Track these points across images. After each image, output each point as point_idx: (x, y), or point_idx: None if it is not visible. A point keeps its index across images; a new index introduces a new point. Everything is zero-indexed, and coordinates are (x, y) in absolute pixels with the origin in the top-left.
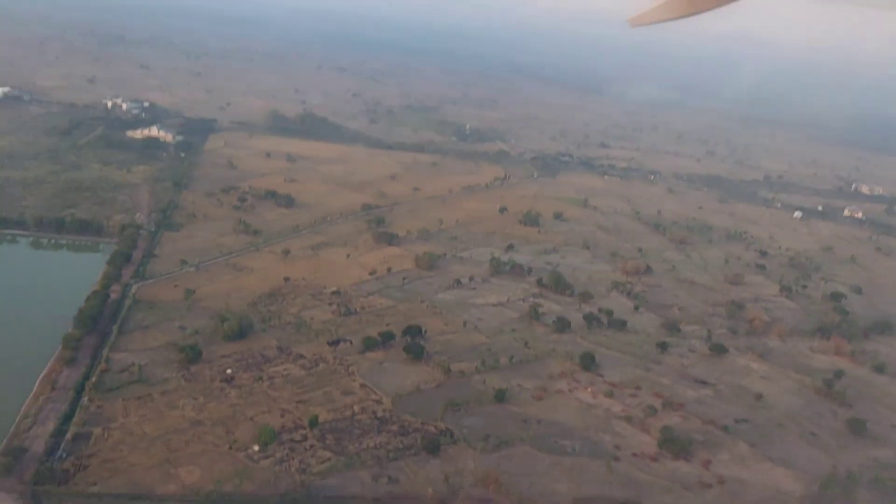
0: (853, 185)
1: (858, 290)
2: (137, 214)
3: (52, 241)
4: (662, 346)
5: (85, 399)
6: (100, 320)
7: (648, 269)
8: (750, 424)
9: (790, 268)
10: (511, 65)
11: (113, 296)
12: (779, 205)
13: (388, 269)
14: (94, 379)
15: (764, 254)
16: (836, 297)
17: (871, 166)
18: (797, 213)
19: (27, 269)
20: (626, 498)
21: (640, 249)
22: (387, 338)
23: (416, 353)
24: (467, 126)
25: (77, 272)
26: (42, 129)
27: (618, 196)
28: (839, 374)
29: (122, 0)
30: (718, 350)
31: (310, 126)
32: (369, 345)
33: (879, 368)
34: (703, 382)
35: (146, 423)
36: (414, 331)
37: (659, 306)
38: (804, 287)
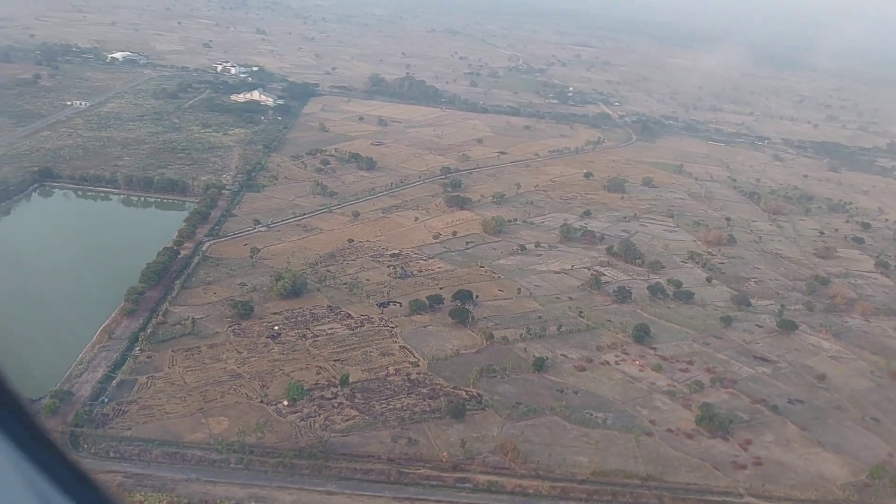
0: None
1: None
2: (224, 175)
3: (142, 199)
4: (726, 321)
5: (137, 349)
6: (165, 275)
7: (731, 240)
8: (805, 406)
9: (893, 242)
10: (631, 24)
11: (184, 252)
12: None
13: (454, 233)
14: (149, 330)
15: (866, 226)
16: None
17: None
18: None
19: (112, 225)
20: (649, 473)
21: (727, 219)
22: (435, 301)
23: (461, 317)
24: (570, 88)
25: (157, 229)
26: (152, 91)
27: (717, 162)
28: None
29: None
30: (787, 327)
31: (408, 89)
32: (416, 308)
33: None
34: (763, 360)
35: (189, 374)
36: (464, 295)
37: (734, 279)
38: None
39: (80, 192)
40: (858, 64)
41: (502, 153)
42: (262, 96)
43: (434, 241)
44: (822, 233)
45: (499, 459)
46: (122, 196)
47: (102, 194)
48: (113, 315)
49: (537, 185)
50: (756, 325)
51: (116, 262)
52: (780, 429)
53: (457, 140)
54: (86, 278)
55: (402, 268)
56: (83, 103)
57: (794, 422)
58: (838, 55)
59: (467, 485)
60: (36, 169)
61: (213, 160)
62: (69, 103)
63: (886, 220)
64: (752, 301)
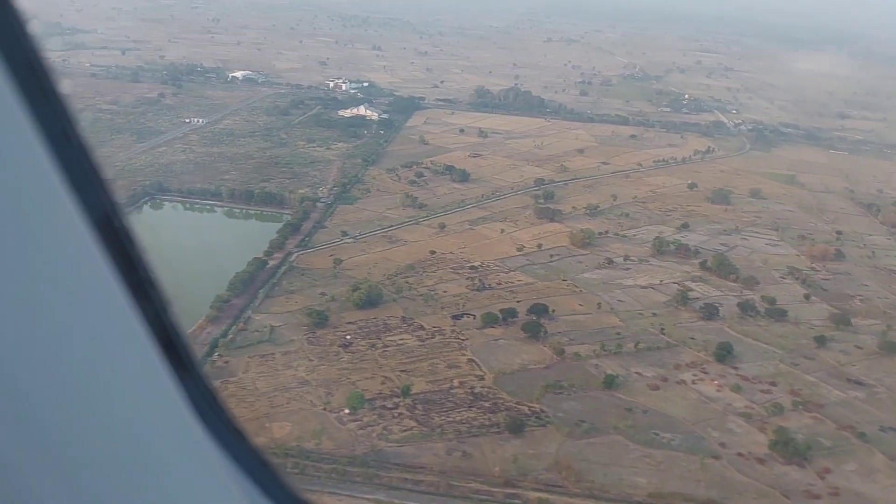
0: None
1: None
2: (320, 188)
3: (243, 211)
4: (820, 341)
5: (216, 354)
6: (252, 284)
7: (839, 254)
8: None
9: None
10: (762, 27)
11: (273, 262)
12: None
13: (539, 246)
14: (229, 337)
15: None
16: None
17: None
18: None
19: (212, 235)
20: (710, 498)
21: (838, 232)
22: (508, 315)
23: (533, 331)
24: (685, 96)
25: (253, 240)
26: (265, 109)
27: (837, 172)
28: None
29: None
30: (890, 349)
31: (512, 100)
32: (489, 321)
33: None
34: (858, 383)
35: (260, 380)
36: (539, 309)
37: (837, 296)
38: None
39: (187, 205)
40: None
41: (603, 163)
42: (367, 111)
43: (518, 253)
44: None
45: (553, 477)
46: (226, 208)
47: (208, 206)
48: (199, 322)
49: (636, 197)
50: (855, 345)
51: (211, 271)
52: (866, 458)
53: (557, 151)
54: (180, 286)
55: (480, 280)
56: (200, 120)
57: (883, 451)
58: None
59: (517, 501)
60: (148, 183)
61: (313, 174)
62: (187, 121)
63: None
64: (854, 320)
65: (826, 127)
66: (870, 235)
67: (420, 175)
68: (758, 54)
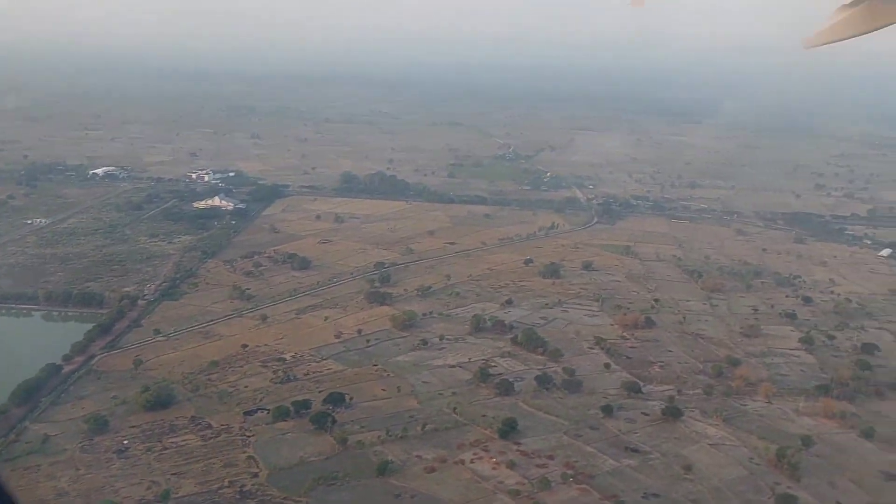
0: None
1: None
2: (148, 285)
3: (62, 313)
4: (607, 410)
5: None
6: (37, 392)
7: (649, 322)
8: (660, 499)
9: (833, 315)
10: (649, 103)
11: (71, 367)
12: (868, 242)
13: (360, 331)
14: None
15: (808, 300)
16: (867, 348)
17: None
18: (885, 252)
19: (13, 342)
20: None
21: (656, 300)
22: (301, 407)
23: (320, 423)
24: (548, 174)
25: (57, 344)
26: (118, 205)
27: (673, 241)
28: (807, 440)
29: (272, 71)
30: (673, 414)
31: (378, 185)
32: (280, 415)
33: (868, 433)
34: (634, 450)
35: (19, 494)
36: (336, 398)
37: (639, 363)
38: (831, 339)
39: (3, 311)
40: (876, 127)
41: (450, 244)
42: (222, 201)
43: (336, 340)
44: (756, 310)
45: None
46: (44, 311)
47: (25, 311)
48: None
49: (471, 275)
50: (642, 412)
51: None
52: None
53: (409, 233)
54: None
55: (285, 372)
56: (44, 220)
57: None
58: (853, 119)
59: None
60: None
61: (146, 270)
62: (29, 222)
63: (832, 291)
64: (648, 387)
65: (676, 197)
66: (687, 301)
67: (258, 265)
68: (631, 129)
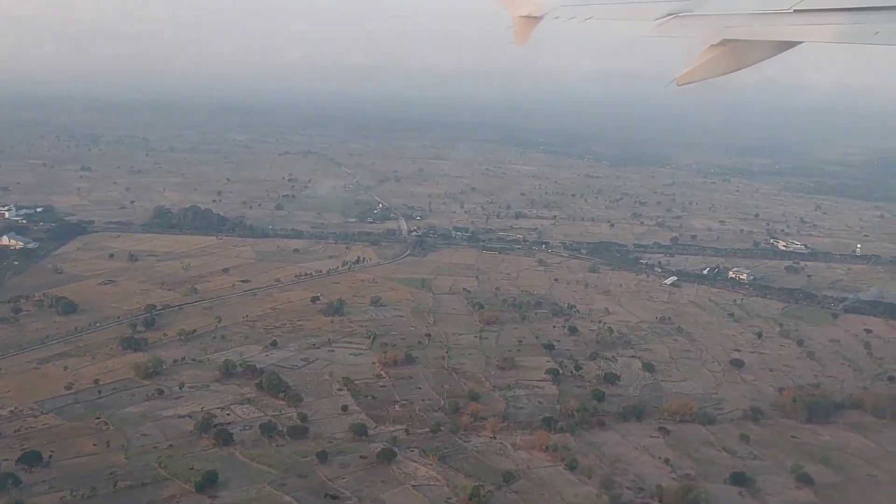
0: (772, 242)
1: (650, 368)
2: None
3: None
4: (322, 457)
5: None
6: None
7: (409, 359)
8: None
9: (594, 344)
10: (510, 132)
11: None
12: (659, 271)
13: (96, 381)
14: None
15: (573, 330)
16: (609, 378)
17: (828, 216)
18: (670, 279)
19: None
20: None
21: (427, 335)
22: None
23: (1, 485)
24: (380, 205)
25: None
26: None
27: (474, 272)
28: (509, 476)
29: (133, 98)
30: (387, 456)
31: (191, 220)
32: None
33: (572, 465)
34: (335, 497)
35: None
36: (31, 457)
37: (383, 403)
38: (579, 369)
39: None
40: (719, 156)
41: (243, 282)
42: (11, 240)
43: (66, 392)
44: (521, 341)
45: None
46: None
47: None
48: None
49: (248, 316)
50: (360, 456)
51: None
52: None
53: (204, 271)
54: None
55: None
56: None
57: None
58: (704, 149)
59: None
60: None
61: None
62: None
63: (601, 321)
64: (378, 428)
65: (498, 227)
66: (459, 335)
67: (18, 311)
68: (485, 159)
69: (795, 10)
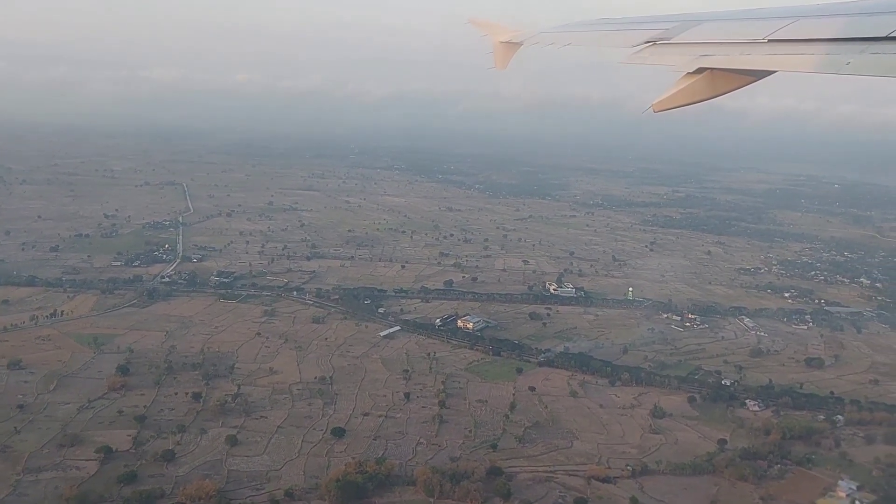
0: (545, 285)
1: (234, 441)
2: None
3: None
4: None
5: None
6: None
7: None
8: None
9: (211, 412)
10: (425, 157)
11: None
12: (391, 320)
13: None
14: None
15: (197, 397)
16: (166, 456)
17: (653, 253)
18: (387, 331)
19: None
20: None
21: (20, 406)
22: None
23: None
24: (166, 246)
25: None
26: None
27: (178, 327)
28: None
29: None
30: None
31: None
32: None
33: None
34: None
35: None
36: None
37: None
38: (141, 445)
39: None
40: (613, 185)
41: None
42: None
43: None
44: (122, 412)
45: None
46: None
47: None
48: None
49: None
50: None
51: None
52: None
53: None
54: None
55: None
56: None
57: None
58: (603, 176)
59: None
60: None
61: None
62: None
63: (254, 382)
64: None
65: (277, 270)
66: (66, 404)
67: None
68: (360, 189)
69: (769, 40)
